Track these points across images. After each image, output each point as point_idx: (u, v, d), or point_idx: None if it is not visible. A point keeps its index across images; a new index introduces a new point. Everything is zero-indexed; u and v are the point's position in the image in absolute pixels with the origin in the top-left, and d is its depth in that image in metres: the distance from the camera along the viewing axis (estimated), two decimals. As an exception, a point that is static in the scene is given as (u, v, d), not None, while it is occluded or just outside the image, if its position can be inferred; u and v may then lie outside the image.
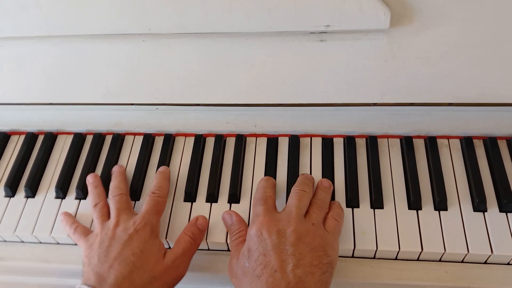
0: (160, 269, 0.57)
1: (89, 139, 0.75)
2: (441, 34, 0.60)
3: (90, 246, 0.60)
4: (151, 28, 0.63)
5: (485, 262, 0.61)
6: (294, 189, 0.62)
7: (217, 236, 0.63)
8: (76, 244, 0.66)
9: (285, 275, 0.52)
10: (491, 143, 0.68)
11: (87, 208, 0.67)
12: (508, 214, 0.62)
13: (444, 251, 0.60)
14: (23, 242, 0.68)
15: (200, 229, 0.62)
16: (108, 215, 0.63)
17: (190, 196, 0.67)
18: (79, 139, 0.74)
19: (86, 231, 0.63)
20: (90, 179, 0.68)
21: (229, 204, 0.66)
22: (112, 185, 0.67)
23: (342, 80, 0.65)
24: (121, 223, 0.60)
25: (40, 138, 0.76)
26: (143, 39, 0.65)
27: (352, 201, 0.64)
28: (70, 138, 0.75)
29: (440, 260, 0.61)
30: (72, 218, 0.66)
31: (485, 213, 0.62)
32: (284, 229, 0.56)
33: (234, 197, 0.66)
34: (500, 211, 0.62)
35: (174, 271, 0.59)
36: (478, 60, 0.61)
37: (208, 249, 0.65)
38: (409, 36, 0.61)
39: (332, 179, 0.67)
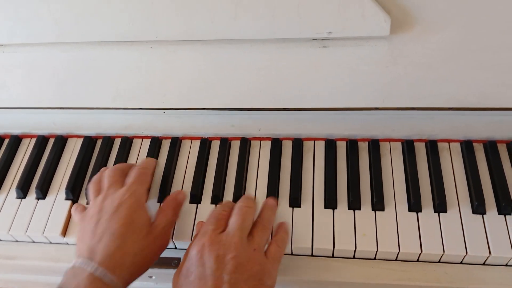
0: (150, 238, 0.59)
1: (98, 142, 0.77)
2: (440, 40, 0.62)
3: (82, 220, 0.61)
4: (159, 36, 0.65)
5: (484, 264, 0.62)
6: (238, 204, 0.61)
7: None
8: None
9: None
10: (491, 146, 0.69)
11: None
12: (507, 216, 0.63)
13: (443, 253, 0.61)
14: (34, 242, 0.70)
15: (179, 202, 0.65)
16: (100, 191, 0.64)
17: (196, 197, 0.69)
18: (89, 142, 0.77)
19: (83, 209, 0.65)
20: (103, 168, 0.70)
21: (234, 206, 0.68)
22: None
23: (344, 85, 0.66)
24: (109, 196, 0.61)
25: (51, 141, 0.78)
26: (150, 45, 0.68)
27: (354, 204, 0.65)
28: (80, 141, 0.77)
29: (439, 262, 0.63)
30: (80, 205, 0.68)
31: (484, 215, 0.64)
32: (224, 254, 0.55)
33: (238, 199, 0.68)
34: (499, 213, 0.64)
35: (161, 240, 0.61)
36: (477, 65, 0.63)
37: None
38: (410, 42, 0.63)
39: (335, 181, 0.68)
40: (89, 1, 0.64)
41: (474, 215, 0.64)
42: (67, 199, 0.71)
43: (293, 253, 0.65)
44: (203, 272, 0.54)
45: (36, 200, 0.72)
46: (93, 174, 0.72)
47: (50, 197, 0.72)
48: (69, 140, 0.78)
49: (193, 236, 0.65)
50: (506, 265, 0.62)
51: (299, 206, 0.67)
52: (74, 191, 0.71)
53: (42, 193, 0.72)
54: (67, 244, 0.70)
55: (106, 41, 0.68)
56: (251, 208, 0.61)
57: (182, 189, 0.70)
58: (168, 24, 0.64)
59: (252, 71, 0.67)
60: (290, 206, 0.67)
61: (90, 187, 0.65)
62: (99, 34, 0.66)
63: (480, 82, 0.64)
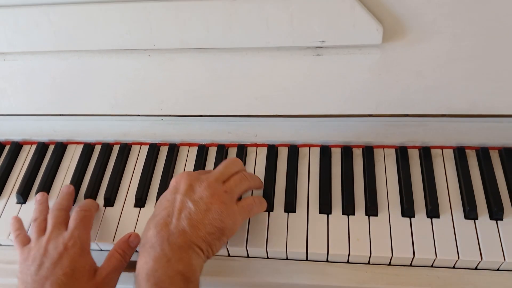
0: (90, 285, 0.59)
1: (97, 149, 0.78)
2: (432, 49, 0.63)
3: (25, 260, 0.61)
4: (156, 44, 0.66)
5: (476, 268, 0.63)
6: (227, 159, 0.66)
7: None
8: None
9: (174, 222, 0.57)
10: (483, 153, 0.70)
11: (96, 214, 0.71)
12: (498, 222, 0.64)
13: (435, 257, 0.62)
14: (34, 246, 0.71)
15: (131, 247, 0.64)
16: (44, 231, 0.64)
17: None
18: (88, 148, 0.78)
19: (25, 241, 0.65)
20: (37, 196, 0.71)
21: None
22: (55, 201, 0.69)
23: (338, 93, 0.68)
24: (52, 239, 0.62)
25: (51, 148, 0.79)
26: (148, 54, 0.69)
27: (348, 209, 0.66)
28: (79, 148, 0.78)
29: (432, 266, 0.63)
30: (18, 224, 0.68)
31: (476, 220, 0.64)
32: (195, 185, 0.60)
33: (235, 205, 0.69)
34: (491, 218, 0.65)
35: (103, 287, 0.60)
36: (468, 73, 0.64)
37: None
38: (402, 51, 0.64)
39: (329, 187, 0.69)
40: (87, 11, 0.66)
41: (466, 220, 0.65)
42: (66, 204, 0.73)
43: (288, 257, 0.66)
44: (174, 197, 0.59)
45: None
46: (91, 180, 0.74)
47: (49, 202, 0.73)
48: (69, 146, 0.80)
49: None
50: (498, 269, 0.63)
51: (294, 211, 0.68)
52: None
53: (42, 198, 0.73)
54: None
55: (104, 50, 0.69)
56: (237, 161, 0.65)
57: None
58: (165, 33, 0.65)
59: (247, 79, 0.69)
60: (285, 211, 0.68)
61: (33, 225, 0.65)
62: (98, 43, 0.67)
63: (470, 89, 0.65)
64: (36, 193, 0.73)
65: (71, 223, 0.64)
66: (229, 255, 0.67)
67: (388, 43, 0.63)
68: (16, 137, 0.81)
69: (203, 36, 0.65)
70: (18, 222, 0.68)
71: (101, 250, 0.70)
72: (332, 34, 0.62)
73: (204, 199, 0.59)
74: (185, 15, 0.64)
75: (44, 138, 0.80)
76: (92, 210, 0.68)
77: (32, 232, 0.65)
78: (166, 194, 0.61)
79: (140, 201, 0.71)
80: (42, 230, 0.65)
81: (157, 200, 0.70)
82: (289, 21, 0.62)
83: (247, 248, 0.65)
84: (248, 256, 0.67)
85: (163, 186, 0.72)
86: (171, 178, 0.72)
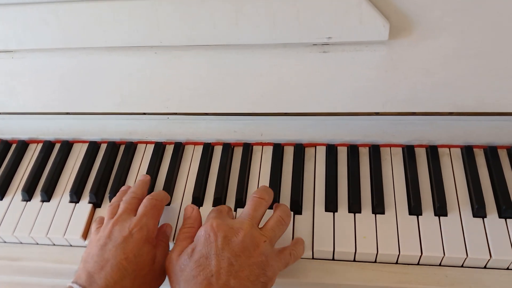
0: (151, 275, 0.58)
1: (103, 147, 0.78)
2: (439, 46, 0.63)
3: (93, 238, 0.62)
4: (163, 41, 0.66)
5: (485, 267, 0.62)
6: (252, 195, 0.61)
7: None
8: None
9: (219, 282, 0.52)
10: (491, 152, 0.69)
11: (100, 211, 0.71)
12: (508, 220, 0.63)
13: (443, 255, 0.61)
14: (38, 244, 0.71)
15: (168, 236, 0.65)
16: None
17: (198, 200, 0.69)
18: (93, 147, 0.78)
19: (100, 223, 0.65)
20: (123, 187, 0.71)
21: (235, 211, 0.68)
22: (129, 190, 0.69)
23: (345, 90, 0.68)
24: (119, 222, 0.61)
25: (57, 146, 0.79)
26: (155, 51, 0.69)
27: (354, 207, 0.66)
28: (85, 147, 0.79)
29: (440, 265, 0.63)
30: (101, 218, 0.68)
31: (485, 219, 0.64)
32: (231, 237, 0.56)
33: (240, 202, 0.69)
34: (500, 217, 0.64)
35: (160, 277, 0.60)
36: (476, 70, 0.64)
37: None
38: (409, 48, 0.64)
39: (335, 186, 0.69)
40: (95, 8, 0.66)
41: (475, 218, 0.64)
42: (71, 201, 0.73)
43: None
44: (209, 251, 0.55)
45: (41, 203, 0.73)
46: (97, 178, 0.73)
47: (54, 200, 0.73)
48: (75, 145, 0.80)
49: None
50: (508, 268, 0.62)
51: (300, 210, 0.67)
52: (78, 194, 0.72)
53: (47, 195, 0.73)
54: (70, 245, 0.70)
55: (111, 47, 0.69)
56: (265, 200, 0.61)
57: (184, 193, 0.71)
58: (172, 29, 0.66)
59: (253, 76, 0.69)
60: (291, 210, 0.67)
61: (108, 209, 0.65)
62: (105, 40, 0.68)
63: (478, 87, 0.64)
64: (42, 190, 0.73)
65: (140, 209, 0.63)
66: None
67: (395, 40, 0.63)
68: (23, 136, 0.81)
69: (209, 33, 0.65)
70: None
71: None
72: (338, 31, 0.62)
73: (245, 252, 0.55)
74: (191, 11, 0.64)
75: (50, 137, 0.80)
76: (163, 200, 0.66)
77: (105, 216, 0.65)
78: (197, 247, 0.56)
79: (145, 199, 0.70)
80: (114, 214, 0.64)
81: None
82: (295, 17, 0.62)
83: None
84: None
85: (168, 185, 0.71)
86: (176, 177, 0.72)
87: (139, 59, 0.70)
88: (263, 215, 0.60)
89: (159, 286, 0.61)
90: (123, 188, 0.70)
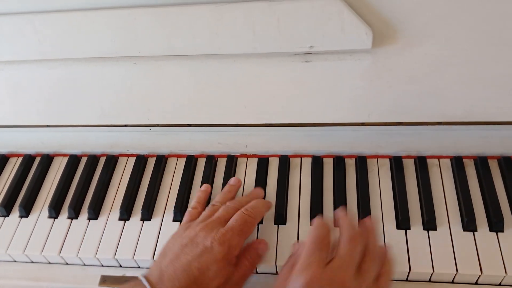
0: None
1: (84, 161, 0.76)
2: (424, 53, 0.61)
3: (174, 236, 0.59)
4: (141, 51, 0.65)
5: (476, 283, 0.59)
6: (346, 234, 0.54)
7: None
8: (67, 263, 0.67)
9: None
10: (481, 162, 0.67)
11: (78, 227, 0.69)
12: (498, 233, 0.61)
13: (432, 271, 0.59)
14: (15, 261, 0.69)
15: (260, 254, 0.61)
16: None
17: (177, 215, 0.67)
18: (74, 160, 0.76)
19: (194, 216, 0.63)
20: (232, 181, 0.68)
21: (217, 224, 0.66)
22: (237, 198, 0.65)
23: (329, 100, 0.66)
24: (207, 229, 0.58)
25: (37, 160, 0.78)
26: (134, 61, 0.68)
27: (340, 221, 0.64)
28: (66, 160, 0.77)
29: (429, 281, 0.60)
30: (200, 198, 0.66)
31: (475, 232, 0.61)
32: None
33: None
34: (491, 230, 0.61)
35: None
36: (462, 78, 0.62)
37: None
38: (393, 56, 0.62)
39: (321, 199, 0.67)
40: (72, 18, 0.65)
41: (465, 232, 0.62)
42: (50, 217, 0.71)
43: (278, 272, 0.63)
44: None
45: (19, 218, 0.71)
46: (76, 192, 0.71)
47: (33, 215, 0.71)
48: (55, 159, 0.78)
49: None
50: (500, 284, 0.59)
51: (285, 223, 0.65)
52: (57, 209, 0.70)
53: (26, 211, 0.71)
54: (49, 263, 0.68)
55: (90, 58, 0.68)
56: (360, 243, 0.54)
57: (165, 207, 0.69)
58: (150, 39, 0.64)
59: (235, 87, 0.67)
60: (275, 223, 0.65)
61: (210, 207, 0.63)
62: (83, 51, 0.66)
63: (465, 95, 0.62)
64: (20, 205, 0.71)
65: (230, 222, 0.59)
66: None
67: (379, 48, 0.62)
68: (3, 149, 0.79)
69: (189, 43, 0.64)
70: (203, 195, 0.66)
71: (85, 265, 0.67)
72: (320, 39, 0.61)
73: None
74: (170, 21, 0.63)
75: (31, 151, 0.79)
76: (258, 218, 0.61)
77: (205, 212, 0.62)
78: None
79: (124, 213, 0.68)
80: (210, 215, 0.61)
81: (142, 214, 0.68)
82: (275, 26, 0.61)
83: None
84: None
85: (149, 199, 0.69)
86: (158, 190, 0.71)
87: (118, 70, 0.69)
88: (359, 255, 0.53)
89: None
90: (228, 187, 0.67)
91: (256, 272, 0.64)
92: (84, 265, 0.67)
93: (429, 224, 0.62)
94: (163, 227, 0.67)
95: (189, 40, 0.63)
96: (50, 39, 0.67)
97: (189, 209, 0.64)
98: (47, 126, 0.77)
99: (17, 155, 0.79)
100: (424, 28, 0.60)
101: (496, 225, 0.61)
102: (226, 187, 0.67)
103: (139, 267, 0.65)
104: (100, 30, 0.65)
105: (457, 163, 0.67)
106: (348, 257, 0.52)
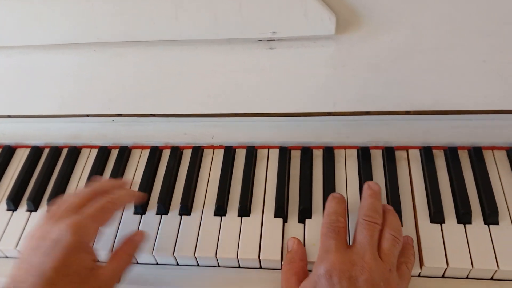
0: (88, 286, 0.50)
1: (46, 152, 0.74)
2: (390, 40, 0.59)
3: (32, 234, 0.53)
4: (100, 37, 0.63)
5: (443, 276, 0.58)
6: (363, 219, 0.55)
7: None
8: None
9: None
10: (451, 153, 0.65)
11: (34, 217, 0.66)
12: (466, 225, 0.59)
13: (396, 264, 0.57)
14: (-27, 255, 0.67)
15: (136, 245, 0.58)
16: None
17: (140, 208, 0.65)
18: (36, 152, 0.74)
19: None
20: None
21: (180, 216, 0.64)
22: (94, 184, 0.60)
23: (294, 89, 0.64)
24: (57, 223, 0.52)
25: (-1, 151, 0.76)
26: (94, 48, 0.65)
27: (304, 213, 0.62)
28: (28, 152, 0.74)
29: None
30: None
31: (442, 224, 0.60)
32: (357, 276, 0.49)
33: (185, 209, 0.64)
34: (458, 222, 0.60)
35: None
36: (429, 66, 0.60)
37: (137, 263, 0.63)
38: (358, 43, 0.60)
39: (287, 190, 0.65)
40: (28, 4, 0.62)
41: (432, 224, 0.60)
42: (8, 209, 0.68)
43: (240, 265, 0.61)
44: None
45: (-24, 211, 0.68)
46: (35, 185, 0.69)
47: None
48: (18, 150, 0.76)
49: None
50: (467, 277, 0.58)
51: (248, 216, 0.63)
52: (15, 202, 0.68)
53: (-17, 204, 0.68)
54: (6, 257, 0.66)
55: (49, 45, 0.65)
56: (378, 224, 0.55)
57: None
58: (109, 25, 0.62)
59: (199, 75, 0.65)
60: (238, 215, 0.63)
61: (62, 202, 0.56)
62: (40, 37, 0.64)
63: (432, 83, 0.61)
64: (-23, 198, 0.68)
65: (86, 209, 0.54)
66: (177, 264, 0.62)
67: (343, 34, 0.60)
68: (-37, 141, 0.77)
69: (149, 28, 0.61)
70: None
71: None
72: (282, 25, 0.59)
73: None
74: (129, 6, 0.60)
75: (-9, 142, 0.76)
76: (118, 205, 0.57)
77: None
78: (318, 286, 0.50)
79: (84, 206, 0.66)
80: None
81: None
82: (238, 11, 0.59)
83: (196, 255, 0.60)
84: (198, 265, 0.62)
85: (112, 190, 0.67)
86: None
87: (78, 58, 0.66)
88: (378, 237, 0.54)
89: None
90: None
91: (198, 265, 0.62)
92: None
93: (395, 216, 0.60)
94: (123, 220, 0.65)
95: (149, 26, 0.61)
96: (6, 25, 0.64)
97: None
98: (8, 116, 0.75)
99: (-22, 147, 0.77)
100: (390, 14, 0.58)
101: (463, 216, 0.59)
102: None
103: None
104: (58, 16, 0.62)
105: (426, 153, 0.66)
106: (367, 243, 0.52)
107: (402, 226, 0.59)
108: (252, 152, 0.69)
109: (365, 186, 0.59)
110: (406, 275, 0.54)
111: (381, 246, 0.53)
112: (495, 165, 0.65)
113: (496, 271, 0.56)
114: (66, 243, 0.50)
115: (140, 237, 0.59)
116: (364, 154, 0.66)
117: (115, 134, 0.73)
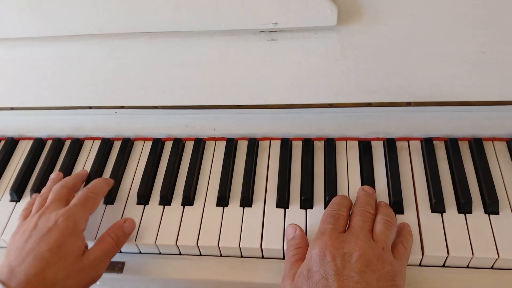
0: (77, 267, 0.55)
1: (49, 144, 0.74)
2: (390, 31, 0.60)
3: (15, 234, 0.58)
4: (102, 29, 0.63)
5: (444, 265, 0.58)
6: (358, 209, 0.57)
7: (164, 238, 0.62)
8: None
9: None
10: (452, 144, 0.66)
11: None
12: (467, 215, 0.60)
13: (398, 253, 0.57)
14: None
15: (125, 232, 0.61)
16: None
17: (143, 198, 0.65)
18: (39, 143, 0.74)
19: (26, 215, 0.62)
20: (52, 175, 0.68)
21: (182, 207, 0.65)
22: (67, 178, 0.66)
23: (295, 80, 0.64)
24: (46, 214, 0.58)
25: (1, 143, 0.76)
26: (97, 40, 0.66)
27: (306, 203, 0.62)
28: (31, 144, 0.75)
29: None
30: (32, 200, 0.64)
31: (443, 214, 0.60)
32: (350, 252, 0.51)
33: (188, 200, 0.65)
34: (459, 212, 0.60)
35: (91, 271, 0.56)
36: (430, 56, 0.60)
37: (140, 252, 0.64)
38: (359, 34, 0.60)
39: (288, 182, 0.65)
40: (31, -5, 0.63)
41: (433, 214, 0.60)
42: (11, 200, 0.69)
43: (243, 255, 0.61)
44: (328, 271, 0.50)
45: (-20, 202, 0.69)
46: (39, 176, 0.70)
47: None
48: (21, 142, 0.76)
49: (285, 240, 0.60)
50: (467, 266, 0.58)
51: (250, 206, 0.64)
52: (19, 193, 0.69)
53: (-14, 195, 0.69)
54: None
55: (51, 36, 0.66)
56: (371, 214, 0.57)
57: (129, 191, 0.67)
58: (111, 16, 0.62)
59: (201, 66, 0.65)
60: (240, 205, 0.64)
61: (37, 200, 0.62)
62: (43, 29, 0.64)
63: (434, 74, 0.61)
64: (-20, 190, 0.69)
65: (73, 201, 0.60)
66: (180, 254, 0.63)
67: (344, 25, 0.60)
68: (-34, 134, 0.77)
69: (151, 19, 0.62)
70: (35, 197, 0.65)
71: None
72: (284, 16, 0.59)
73: (370, 266, 0.50)
74: (131, -3, 0.61)
75: (-6, 134, 0.77)
76: (100, 194, 0.63)
77: (33, 207, 0.62)
78: (313, 267, 0.51)
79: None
80: (41, 204, 0.61)
81: (105, 203, 0.66)
82: (239, 2, 0.59)
83: (198, 245, 0.60)
84: (200, 254, 0.62)
85: (114, 183, 0.67)
86: (123, 174, 0.69)
87: (81, 49, 0.67)
88: (372, 225, 0.56)
89: (93, 281, 0.57)
90: (52, 176, 0.67)
91: (201, 254, 0.62)
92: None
93: (396, 206, 0.61)
94: (126, 212, 0.65)
95: (151, 17, 0.61)
96: (8, 17, 0.64)
97: (21, 211, 0.63)
98: (11, 108, 0.75)
99: (-19, 139, 0.77)
100: (391, 4, 0.58)
101: (464, 206, 0.60)
102: (49, 182, 0.67)
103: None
104: (60, 7, 0.63)
105: (427, 145, 0.66)
106: (360, 226, 0.54)
107: (403, 215, 0.60)
108: (254, 144, 0.69)
109: (359, 189, 0.62)
110: (403, 254, 0.54)
111: (374, 229, 0.55)
112: (495, 156, 0.65)
113: (496, 259, 0.56)
114: (61, 228, 0.56)
115: (128, 223, 0.61)
116: (365, 145, 0.67)
117: (118, 126, 0.73)
